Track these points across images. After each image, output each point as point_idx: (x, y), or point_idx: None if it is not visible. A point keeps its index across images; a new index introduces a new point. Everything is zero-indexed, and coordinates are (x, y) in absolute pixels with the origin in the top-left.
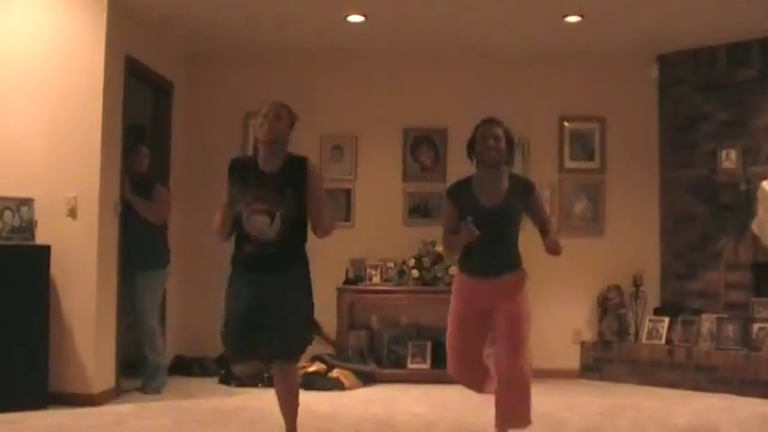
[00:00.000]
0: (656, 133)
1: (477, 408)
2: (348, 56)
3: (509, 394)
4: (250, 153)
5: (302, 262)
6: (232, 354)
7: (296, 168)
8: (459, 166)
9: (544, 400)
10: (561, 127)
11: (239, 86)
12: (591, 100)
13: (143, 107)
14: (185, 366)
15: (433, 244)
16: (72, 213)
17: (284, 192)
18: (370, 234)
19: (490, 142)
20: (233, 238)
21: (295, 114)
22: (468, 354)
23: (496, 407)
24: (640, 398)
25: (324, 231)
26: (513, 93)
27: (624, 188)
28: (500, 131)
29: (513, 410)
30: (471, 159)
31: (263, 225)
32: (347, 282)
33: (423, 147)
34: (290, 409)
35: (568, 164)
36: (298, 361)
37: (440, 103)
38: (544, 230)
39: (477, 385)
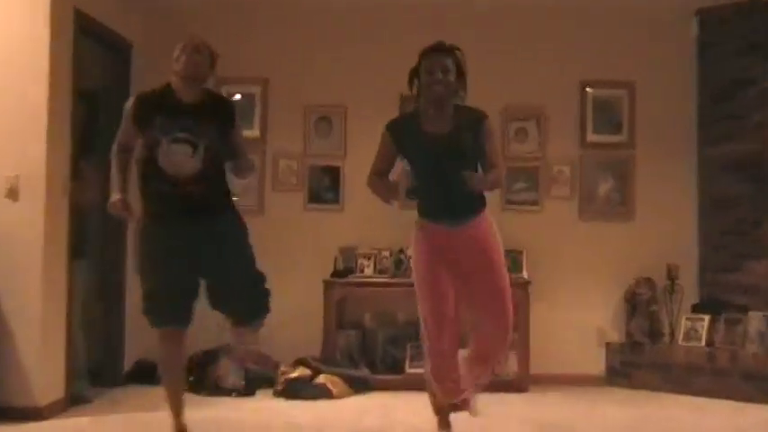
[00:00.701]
0: (694, 101)
1: (485, 419)
2: (334, 10)
3: (485, 368)
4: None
5: (232, 203)
6: (163, 319)
7: (220, 107)
8: None
9: (563, 410)
10: (583, 94)
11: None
12: (618, 62)
13: (96, 71)
14: (147, 373)
15: None
16: (12, 194)
17: (207, 124)
18: (362, 218)
19: (437, 75)
20: (142, 180)
21: (216, 52)
22: (449, 326)
23: (467, 376)
24: (675, 409)
25: (246, 171)
26: (526, 53)
27: (656, 165)
28: (449, 62)
29: (482, 380)
30: (412, 91)
31: (183, 156)
32: (335, 274)
33: None
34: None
35: (591, 137)
36: (268, 312)
37: None
38: (489, 176)
39: (454, 375)
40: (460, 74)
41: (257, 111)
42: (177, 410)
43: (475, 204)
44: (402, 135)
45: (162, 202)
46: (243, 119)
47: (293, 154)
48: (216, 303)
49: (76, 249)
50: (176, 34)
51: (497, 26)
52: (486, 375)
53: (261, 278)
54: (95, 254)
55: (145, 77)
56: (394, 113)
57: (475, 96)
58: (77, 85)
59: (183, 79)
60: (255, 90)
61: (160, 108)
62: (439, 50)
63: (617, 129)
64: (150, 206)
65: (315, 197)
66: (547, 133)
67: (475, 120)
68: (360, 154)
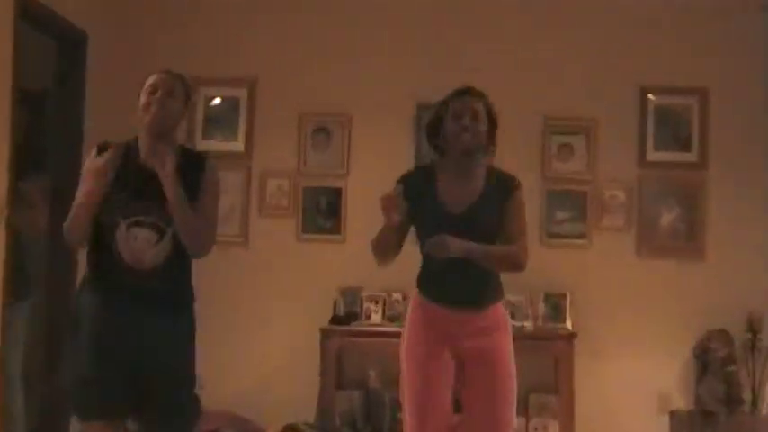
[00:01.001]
0: None
1: None
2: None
3: None
4: (125, 140)
5: (191, 305)
6: (91, 409)
7: (192, 169)
8: (498, 156)
9: None
10: (643, 102)
11: (176, 40)
12: (687, 64)
13: (42, 68)
14: None
15: None
16: None
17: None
18: (369, 253)
19: (465, 121)
20: (89, 257)
21: (191, 87)
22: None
23: None
24: None
25: (194, 248)
26: (575, 54)
27: (736, 190)
28: (480, 107)
29: None
30: (433, 146)
31: (145, 244)
32: (335, 320)
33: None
34: None
35: (653, 155)
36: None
37: (466, 69)
38: (500, 250)
39: None
40: (492, 124)
41: (242, 118)
42: None
43: (492, 291)
44: (414, 195)
45: (118, 289)
46: (224, 127)
47: (285, 172)
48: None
49: (16, 289)
50: (140, 22)
51: (537, 21)
52: None
53: (194, 409)
54: (40, 294)
55: (102, 75)
56: (407, 125)
57: (510, 106)
58: (18, 84)
59: (152, 136)
60: (240, 94)
61: (120, 178)
62: (466, 93)
63: (685, 145)
64: (99, 282)
65: (310, 225)
66: (597, 150)
67: (505, 190)
68: (366, 172)
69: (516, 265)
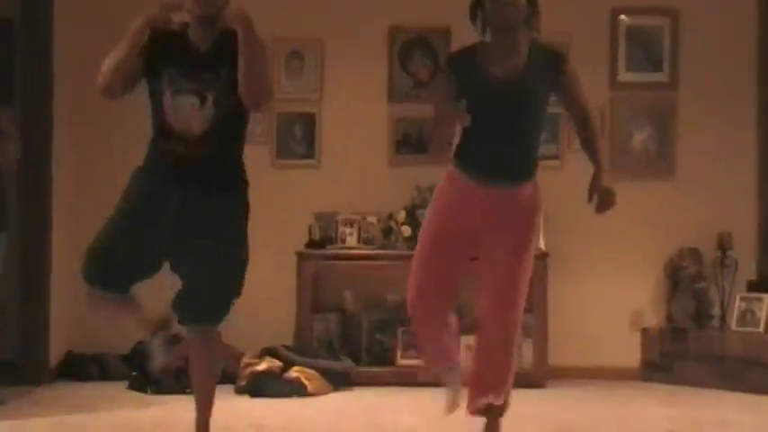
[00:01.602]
0: (754, 32)
1: None
2: None
3: (489, 359)
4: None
5: (243, 181)
6: (97, 277)
7: (231, 41)
8: None
9: (588, 411)
10: (615, 22)
11: None
12: None
13: None
14: (79, 366)
15: (432, 190)
16: None
17: (219, 73)
18: (343, 177)
19: None
20: (153, 135)
21: None
22: (442, 285)
23: (471, 377)
24: (727, 409)
25: (258, 97)
26: None
27: (706, 110)
28: None
29: (492, 381)
30: (475, 23)
31: (190, 108)
32: (310, 244)
33: (416, 53)
34: (203, 389)
35: (624, 76)
36: (219, 323)
37: None
38: (581, 126)
39: (444, 344)
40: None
41: None
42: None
43: (528, 166)
44: (460, 71)
45: (165, 158)
46: None
47: None
48: (182, 292)
49: None
50: None
51: None
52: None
53: (233, 292)
54: (14, 226)
55: (72, 4)
56: (381, 49)
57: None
58: None
59: (200, 22)
60: None
61: (167, 55)
62: None
63: (656, 65)
64: (153, 156)
65: (284, 151)
66: None
67: (554, 62)
68: (340, 98)
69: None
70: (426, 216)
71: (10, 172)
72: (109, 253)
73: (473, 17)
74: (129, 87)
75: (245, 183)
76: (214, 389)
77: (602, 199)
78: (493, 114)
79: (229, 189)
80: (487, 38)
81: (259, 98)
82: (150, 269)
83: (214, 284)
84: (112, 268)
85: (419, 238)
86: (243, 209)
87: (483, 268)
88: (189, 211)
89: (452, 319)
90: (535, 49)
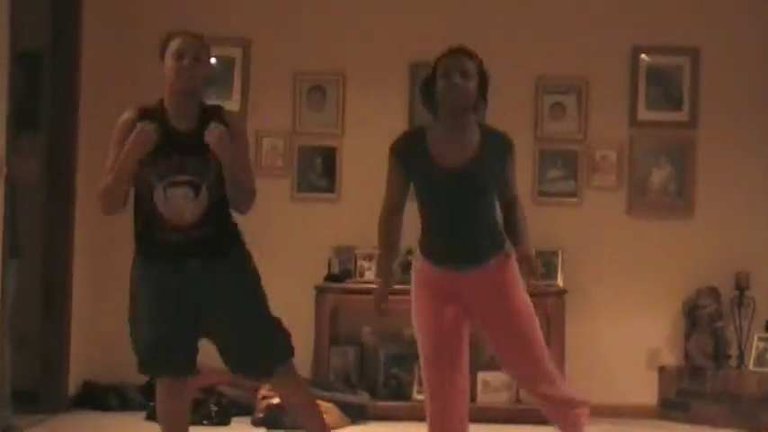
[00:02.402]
0: None
1: None
2: None
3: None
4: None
5: (241, 241)
6: (159, 372)
7: (213, 117)
8: (491, 115)
9: None
10: (635, 61)
11: None
12: (679, 23)
13: (38, 27)
14: (98, 397)
15: None
16: None
17: (206, 155)
18: (363, 212)
19: (455, 79)
20: (135, 227)
21: (208, 46)
22: (458, 386)
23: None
24: None
25: (244, 205)
26: (568, 13)
27: (725, 149)
28: (471, 66)
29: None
30: (427, 105)
31: (184, 200)
32: (329, 278)
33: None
34: (314, 422)
35: (644, 114)
36: (292, 355)
37: (462, 28)
38: (511, 205)
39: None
40: (483, 83)
41: (236, 78)
42: None
43: (495, 243)
44: (408, 161)
45: (163, 246)
46: (219, 87)
47: (279, 131)
48: (229, 361)
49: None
50: None
51: None
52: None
53: (275, 321)
54: (34, 252)
55: (99, 34)
56: (402, 84)
57: (504, 65)
58: (15, 44)
59: (182, 96)
60: (235, 53)
61: (156, 148)
62: (458, 52)
63: (676, 104)
64: (147, 247)
65: (305, 184)
66: (589, 109)
67: (503, 149)
68: (361, 132)
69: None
70: (413, 306)
71: (28, 192)
72: (158, 342)
73: (423, 96)
74: (127, 199)
75: (240, 237)
76: (322, 415)
77: (533, 268)
78: (446, 206)
79: (236, 242)
80: (437, 120)
81: (243, 207)
82: (195, 340)
83: (261, 333)
84: (168, 352)
85: (415, 323)
86: (249, 261)
87: (490, 340)
88: (213, 273)
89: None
90: (485, 131)
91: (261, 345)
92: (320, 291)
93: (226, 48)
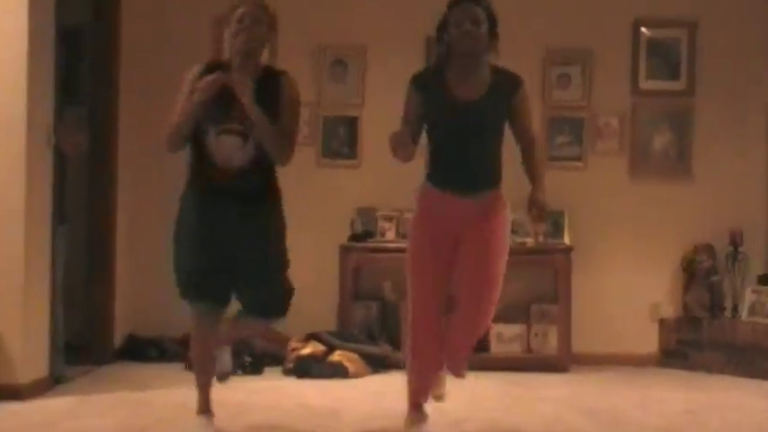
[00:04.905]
0: (766, 43)
1: (515, 402)
2: None
3: (465, 340)
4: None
5: (278, 196)
6: (191, 294)
7: (272, 85)
8: None
9: (609, 394)
10: (636, 34)
11: None
12: None
13: (79, 5)
14: (139, 349)
15: None
16: None
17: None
18: (383, 176)
19: (466, 26)
20: (190, 163)
21: (274, 14)
22: (438, 300)
23: (449, 349)
24: (740, 394)
25: (279, 155)
26: None
27: (720, 116)
28: (480, 13)
29: (463, 357)
30: (440, 45)
31: (232, 147)
32: (352, 238)
33: None
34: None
35: (645, 84)
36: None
37: None
38: (527, 148)
39: (436, 356)
40: (493, 27)
41: (264, 53)
42: (205, 390)
43: (492, 178)
44: (428, 92)
45: (211, 185)
46: None
47: (303, 102)
48: (240, 298)
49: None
50: None
51: None
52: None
53: (284, 281)
54: (80, 216)
55: (137, 12)
56: (419, 57)
57: (512, 38)
58: (59, 18)
59: (243, 57)
60: None
61: (216, 98)
62: (467, 1)
63: (675, 74)
64: (198, 183)
65: (329, 152)
66: (593, 79)
67: (511, 86)
68: (380, 102)
69: (543, 159)
70: (411, 226)
71: (76, 162)
72: (198, 269)
73: (438, 40)
74: (186, 141)
75: (279, 195)
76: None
77: (537, 213)
78: (453, 135)
79: (273, 197)
80: (451, 61)
81: (278, 160)
82: (226, 274)
83: (278, 274)
84: (207, 281)
85: (409, 243)
86: (280, 218)
87: (459, 257)
88: (247, 217)
89: (440, 353)
90: (496, 72)
91: (266, 293)
92: (344, 250)
93: None
